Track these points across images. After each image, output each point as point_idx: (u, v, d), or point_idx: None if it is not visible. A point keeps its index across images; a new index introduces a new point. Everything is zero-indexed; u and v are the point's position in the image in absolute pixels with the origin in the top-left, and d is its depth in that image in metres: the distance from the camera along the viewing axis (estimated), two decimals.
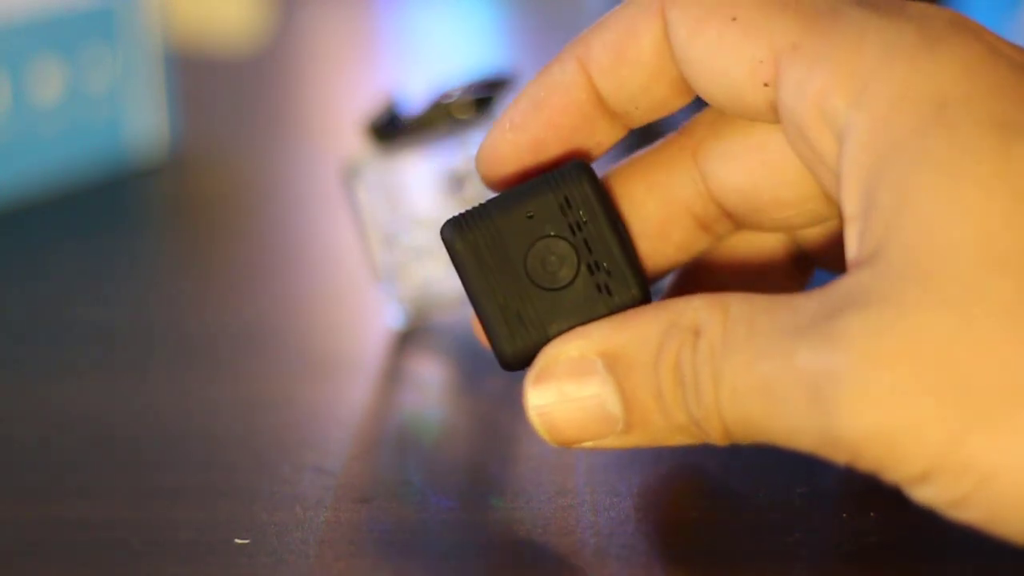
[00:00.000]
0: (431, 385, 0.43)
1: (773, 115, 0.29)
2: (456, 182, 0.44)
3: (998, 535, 0.27)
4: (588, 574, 0.31)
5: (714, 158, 0.32)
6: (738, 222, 0.33)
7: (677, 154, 0.32)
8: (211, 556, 0.31)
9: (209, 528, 0.33)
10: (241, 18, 0.91)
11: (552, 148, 0.31)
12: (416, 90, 0.46)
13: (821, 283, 0.30)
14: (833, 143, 0.28)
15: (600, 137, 0.31)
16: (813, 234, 0.34)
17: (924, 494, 0.27)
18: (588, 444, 0.30)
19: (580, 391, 0.30)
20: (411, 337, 0.45)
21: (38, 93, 0.61)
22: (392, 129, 0.44)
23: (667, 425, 0.29)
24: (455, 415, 0.41)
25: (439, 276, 0.44)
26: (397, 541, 0.32)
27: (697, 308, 0.28)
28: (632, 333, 0.29)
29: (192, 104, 0.71)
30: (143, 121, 0.65)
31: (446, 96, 0.44)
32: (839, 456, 0.27)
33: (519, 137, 0.31)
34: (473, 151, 0.32)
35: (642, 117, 0.31)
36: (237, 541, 0.32)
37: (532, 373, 0.30)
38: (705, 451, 0.35)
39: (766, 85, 0.29)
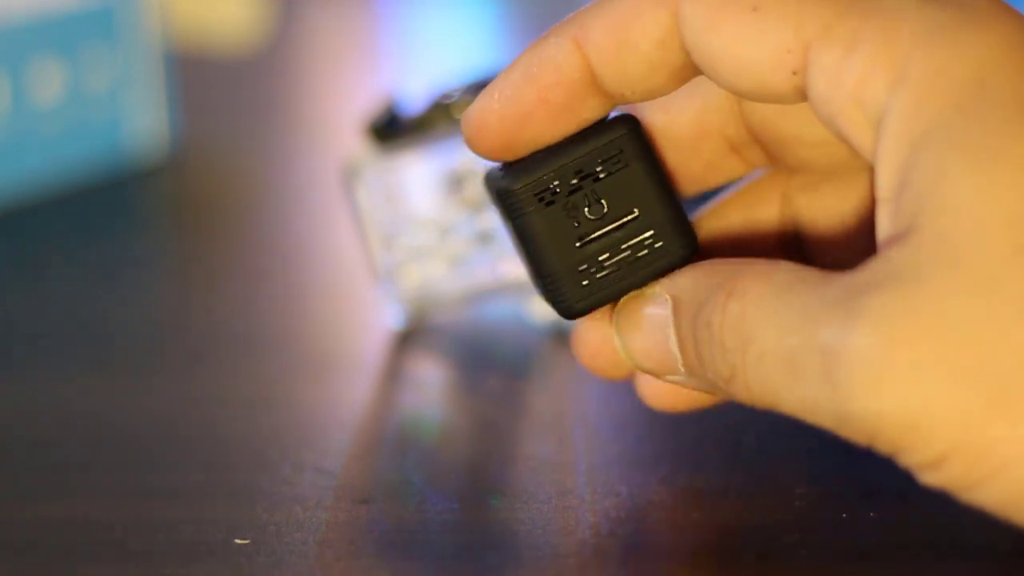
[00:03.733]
0: (431, 385, 0.43)
1: (801, 99, 0.29)
2: (456, 182, 0.44)
3: (1012, 519, 0.27)
4: (588, 574, 0.31)
5: None
6: (768, 153, 0.33)
7: None
8: (211, 556, 0.31)
9: (209, 528, 0.33)
10: (241, 18, 0.91)
11: (538, 122, 0.31)
12: (416, 90, 0.46)
13: None
14: (869, 133, 0.28)
15: (588, 114, 0.31)
16: (818, 221, 0.33)
17: (939, 477, 0.26)
18: (669, 379, 0.31)
19: (651, 324, 0.30)
20: (411, 337, 0.45)
21: (38, 93, 0.61)
22: (392, 129, 0.44)
23: (704, 376, 0.29)
24: (455, 415, 0.41)
25: (439, 276, 0.44)
26: (397, 541, 0.32)
27: (744, 272, 0.29)
28: (688, 282, 0.30)
29: (192, 104, 0.71)
30: (143, 121, 0.65)
31: (446, 96, 0.44)
32: (858, 436, 0.27)
33: (506, 109, 0.31)
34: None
35: (635, 100, 0.31)
36: (237, 541, 0.32)
37: (622, 299, 0.31)
38: (705, 451, 0.35)
39: (794, 73, 0.28)
